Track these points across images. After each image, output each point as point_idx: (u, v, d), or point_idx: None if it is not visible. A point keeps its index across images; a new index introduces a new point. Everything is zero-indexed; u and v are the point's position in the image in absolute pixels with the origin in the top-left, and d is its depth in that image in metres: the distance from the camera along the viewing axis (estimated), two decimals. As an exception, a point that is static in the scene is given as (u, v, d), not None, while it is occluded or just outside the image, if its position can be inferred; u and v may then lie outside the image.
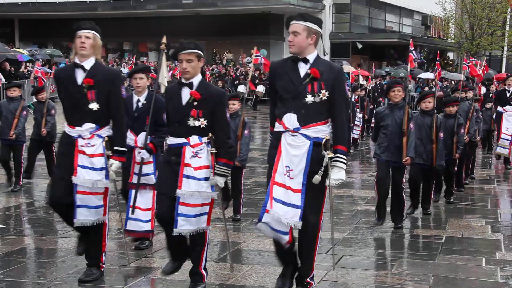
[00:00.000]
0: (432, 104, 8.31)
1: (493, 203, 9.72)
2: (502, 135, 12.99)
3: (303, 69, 4.81)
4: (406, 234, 7.59)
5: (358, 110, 16.63)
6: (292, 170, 4.76)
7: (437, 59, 12.13)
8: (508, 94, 13.16)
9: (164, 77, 6.25)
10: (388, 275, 5.95)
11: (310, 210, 4.76)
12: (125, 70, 31.11)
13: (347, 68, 30.54)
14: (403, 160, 7.48)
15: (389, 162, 7.61)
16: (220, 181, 5.05)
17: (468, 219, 8.42)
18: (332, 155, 4.74)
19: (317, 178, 4.70)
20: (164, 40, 5.88)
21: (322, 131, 4.79)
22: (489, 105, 15.35)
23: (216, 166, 5.04)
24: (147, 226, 6.51)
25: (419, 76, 29.22)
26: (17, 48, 33.12)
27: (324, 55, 4.80)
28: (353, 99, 15.81)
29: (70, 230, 7.30)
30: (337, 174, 4.77)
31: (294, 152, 4.75)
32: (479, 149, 15.39)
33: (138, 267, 6.00)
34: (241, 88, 26.12)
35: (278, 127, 4.85)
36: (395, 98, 7.60)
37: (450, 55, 42.22)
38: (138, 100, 6.51)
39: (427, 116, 8.27)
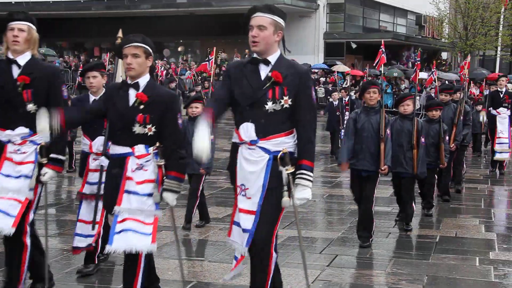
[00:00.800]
0: (412, 107, 7.64)
1: (487, 202, 9.74)
2: (497, 140, 12.22)
3: (263, 71, 4.17)
4: (400, 233, 7.60)
5: (347, 113, 15.81)
6: (248, 189, 4.17)
7: (432, 68, 11.90)
8: (501, 95, 12.38)
9: (120, 75, 5.60)
10: (382, 274, 5.96)
11: (261, 235, 4.14)
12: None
13: (342, 68, 30.63)
14: (381, 169, 6.74)
15: (360, 172, 6.85)
16: (170, 198, 4.33)
17: (462, 218, 8.45)
18: (291, 170, 4.11)
19: (285, 200, 4.12)
20: (120, 34, 5.10)
21: (284, 143, 4.16)
22: (479, 107, 15.24)
23: (165, 180, 4.33)
24: (88, 241, 5.68)
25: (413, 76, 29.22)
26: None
27: (285, 53, 4.28)
28: (342, 101, 15.38)
29: (64, 230, 7.31)
30: (302, 193, 4.15)
31: (250, 168, 4.15)
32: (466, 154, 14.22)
33: (132, 267, 5.97)
34: None
35: (234, 138, 4.26)
36: (370, 100, 6.86)
37: (444, 55, 42.31)
38: (94, 100, 5.68)
39: (406, 121, 7.50)
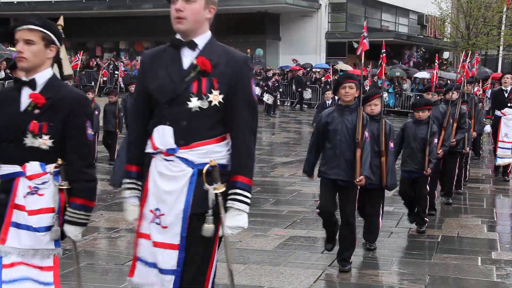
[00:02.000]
0: (380, 107, 6.53)
1: (489, 202, 9.73)
2: (500, 144, 11.31)
3: (187, 58, 3.19)
4: (402, 233, 7.59)
5: None
6: (163, 214, 3.17)
7: (436, 61, 11.29)
8: (505, 95, 11.35)
9: (66, 73, 4.27)
10: (384, 274, 5.96)
11: (191, 279, 3.17)
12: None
13: (344, 67, 30.60)
14: (357, 180, 5.69)
15: (337, 181, 5.79)
16: (73, 233, 3.32)
17: (464, 218, 8.43)
18: (221, 189, 3.14)
19: (208, 228, 3.13)
20: (60, 21, 3.81)
21: (214, 153, 3.17)
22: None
23: (68, 209, 3.30)
24: None
25: (415, 75, 29.24)
26: (13, 47, 33.03)
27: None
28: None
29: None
30: (234, 220, 3.17)
31: (167, 186, 3.15)
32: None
33: (134, 266, 5.97)
34: (266, 97, 26.06)
35: (148, 147, 3.25)
36: (345, 97, 5.78)
37: (446, 54, 42.29)
38: None
39: (374, 122, 6.31)
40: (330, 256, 6.35)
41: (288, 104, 30.38)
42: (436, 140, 7.57)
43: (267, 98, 26.18)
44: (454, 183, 9.32)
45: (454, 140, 8.64)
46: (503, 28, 35.75)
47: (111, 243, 6.81)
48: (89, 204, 3.36)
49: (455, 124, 8.73)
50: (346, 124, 5.75)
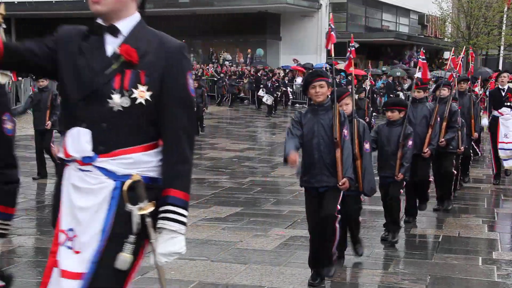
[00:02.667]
0: (351, 107, 5.99)
1: (490, 202, 9.73)
2: (501, 145, 10.79)
3: (110, 46, 2.64)
4: (402, 233, 7.59)
5: None
6: (76, 236, 2.58)
7: (454, 70, 10.45)
8: (502, 94, 10.92)
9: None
10: (384, 274, 5.95)
11: None
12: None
13: (343, 67, 30.57)
14: (340, 183, 5.33)
15: (320, 188, 5.42)
16: None
17: (465, 218, 8.42)
18: (150, 208, 2.58)
19: (124, 259, 2.56)
20: (1, 9, 3.15)
21: (142, 163, 2.62)
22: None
23: None
24: None
25: (416, 75, 29.16)
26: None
27: None
28: None
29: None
30: (168, 245, 2.61)
31: (82, 202, 2.58)
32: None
33: (135, 266, 5.97)
34: (266, 98, 25.93)
35: (60, 153, 2.69)
36: (316, 97, 5.37)
37: (446, 54, 42.30)
38: None
39: None
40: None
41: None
42: (410, 143, 6.81)
43: (266, 99, 25.99)
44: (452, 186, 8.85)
45: (443, 139, 8.11)
46: (503, 28, 35.73)
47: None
48: (9, 210, 2.86)
49: (444, 123, 8.20)
50: (323, 124, 5.35)
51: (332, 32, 6.55)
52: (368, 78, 22.41)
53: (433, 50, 41.44)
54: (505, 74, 11.24)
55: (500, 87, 11.03)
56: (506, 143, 10.79)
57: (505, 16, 35.18)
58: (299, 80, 29.88)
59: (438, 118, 7.87)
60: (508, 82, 10.94)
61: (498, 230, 7.86)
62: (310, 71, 7.81)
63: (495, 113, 11.00)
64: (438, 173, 8.55)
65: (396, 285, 5.63)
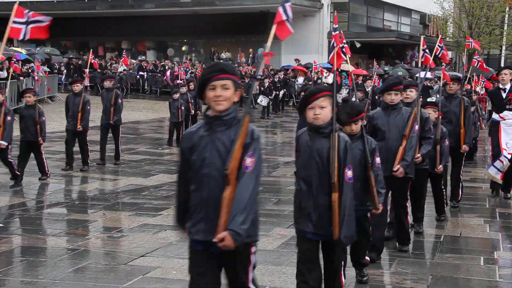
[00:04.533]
0: (329, 112, 4.31)
1: (491, 202, 9.71)
2: (505, 153, 9.21)
3: None
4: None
5: None
6: None
7: (443, 63, 9.82)
8: (504, 95, 9.21)
9: None
10: (386, 274, 5.95)
11: None
12: (121, 68, 31.21)
13: (347, 66, 30.58)
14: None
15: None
16: None
17: (467, 218, 8.42)
18: None
19: None
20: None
21: None
22: (471, 109, 13.44)
23: None
24: None
25: (418, 75, 29.17)
26: (16, 47, 33.08)
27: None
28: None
29: (69, 229, 7.32)
30: None
31: None
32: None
33: (136, 266, 5.99)
34: (260, 99, 25.64)
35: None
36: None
37: (448, 54, 42.32)
38: None
39: (320, 138, 4.33)
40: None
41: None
42: (378, 160, 5.23)
43: (261, 100, 25.52)
44: (423, 209, 7.43)
45: (419, 155, 6.50)
46: (505, 27, 35.76)
47: (113, 242, 6.82)
48: None
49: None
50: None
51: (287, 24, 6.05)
52: (373, 78, 21.97)
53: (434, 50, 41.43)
54: (506, 71, 9.34)
55: (500, 86, 9.35)
56: (508, 152, 9.24)
57: (506, 16, 35.23)
58: (300, 80, 29.86)
59: (416, 127, 6.18)
60: (511, 80, 9.26)
61: (500, 230, 7.85)
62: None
63: (496, 116, 9.41)
64: (411, 194, 6.89)
65: (398, 284, 5.63)
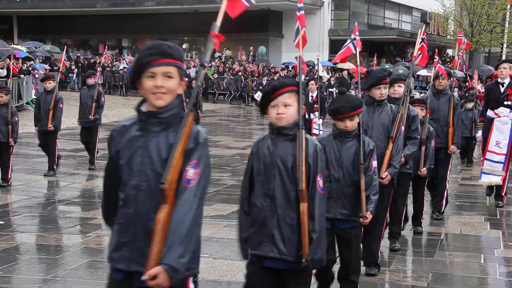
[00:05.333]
0: (294, 112, 3.60)
1: (492, 200, 9.71)
2: (488, 155, 8.61)
3: None
4: (404, 231, 7.59)
5: (317, 114, 11.91)
6: None
7: (435, 56, 9.06)
8: (502, 89, 8.55)
9: None
10: (386, 271, 5.95)
11: None
12: (121, 66, 31.23)
13: (347, 65, 30.57)
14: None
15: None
16: None
17: (467, 216, 8.42)
18: None
19: None
20: None
21: None
22: (469, 105, 12.96)
23: None
24: None
25: (418, 73, 29.21)
26: (16, 44, 33.12)
27: None
28: (310, 99, 11.80)
29: (70, 226, 7.33)
30: None
31: None
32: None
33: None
34: (257, 95, 25.57)
35: None
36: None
37: (449, 52, 42.27)
38: None
39: (281, 141, 3.61)
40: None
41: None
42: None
43: (258, 95, 25.41)
44: (402, 219, 6.75)
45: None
46: (506, 25, 35.73)
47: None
48: None
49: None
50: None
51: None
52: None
53: (435, 48, 41.44)
54: (506, 65, 8.69)
55: (499, 81, 8.67)
56: (496, 153, 8.57)
57: (508, 13, 35.18)
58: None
59: (402, 128, 5.62)
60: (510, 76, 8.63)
61: (500, 227, 7.86)
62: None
63: (491, 113, 8.73)
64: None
65: (398, 282, 5.64)
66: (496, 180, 8.68)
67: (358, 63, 5.60)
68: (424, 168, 6.90)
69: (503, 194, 8.90)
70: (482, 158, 9.08)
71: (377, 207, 4.85)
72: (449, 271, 5.98)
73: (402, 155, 5.71)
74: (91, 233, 7.03)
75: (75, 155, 12.81)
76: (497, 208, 8.89)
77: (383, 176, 5.37)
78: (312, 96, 11.86)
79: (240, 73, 31.10)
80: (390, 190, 5.64)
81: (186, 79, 2.89)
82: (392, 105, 5.69)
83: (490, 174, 8.67)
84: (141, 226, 2.77)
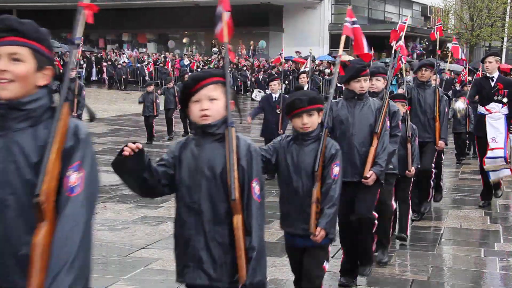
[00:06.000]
0: (223, 110, 3.34)
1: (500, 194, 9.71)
2: (489, 153, 8.12)
3: None
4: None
5: None
6: None
7: (437, 53, 8.59)
8: (491, 84, 8.00)
9: None
10: (387, 266, 5.95)
11: None
12: (121, 60, 31.22)
13: (347, 57, 30.54)
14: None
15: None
16: None
17: (467, 210, 8.42)
18: None
19: None
20: None
21: None
22: (460, 103, 12.42)
23: None
24: None
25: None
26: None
27: None
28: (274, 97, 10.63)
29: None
30: None
31: None
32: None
33: (137, 257, 6.00)
34: (255, 94, 24.68)
35: None
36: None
37: (450, 46, 42.26)
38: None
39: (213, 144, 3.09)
40: (333, 247, 6.36)
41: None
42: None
43: (255, 95, 24.39)
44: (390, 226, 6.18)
45: None
46: (507, 19, 35.66)
47: (114, 234, 6.83)
48: None
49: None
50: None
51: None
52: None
53: (436, 42, 41.37)
54: (491, 58, 8.18)
55: (488, 75, 8.13)
56: (495, 148, 8.11)
57: (508, 7, 35.11)
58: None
59: (388, 123, 5.13)
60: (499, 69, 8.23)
61: (500, 221, 7.86)
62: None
63: (481, 109, 8.26)
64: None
65: (398, 276, 5.64)
66: (506, 173, 8.32)
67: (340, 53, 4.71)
68: (413, 168, 6.44)
69: (500, 187, 8.66)
70: (479, 154, 8.61)
71: (363, 207, 4.78)
72: (449, 265, 5.98)
73: None
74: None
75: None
76: (497, 202, 8.86)
77: (367, 176, 4.87)
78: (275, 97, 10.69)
79: (245, 68, 31.05)
80: (377, 190, 5.09)
81: (51, 67, 2.27)
82: (374, 99, 5.21)
83: (496, 170, 8.25)
84: (11, 253, 2.10)
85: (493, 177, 8.31)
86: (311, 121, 3.93)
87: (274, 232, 6.94)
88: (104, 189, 9.23)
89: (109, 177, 10.22)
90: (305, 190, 3.93)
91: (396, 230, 6.62)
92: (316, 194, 3.89)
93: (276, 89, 10.59)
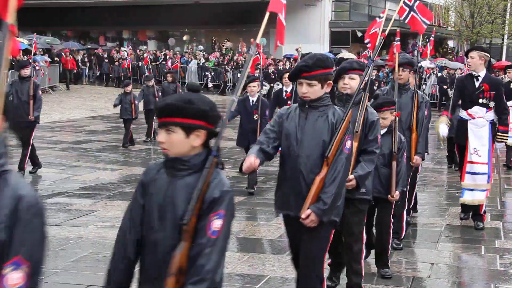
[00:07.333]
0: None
1: (493, 191, 9.69)
2: (469, 167, 6.91)
3: None
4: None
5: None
6: None
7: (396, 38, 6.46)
8: (476, 84, 6.88)
9: None
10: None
11: None
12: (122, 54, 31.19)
13: (347, 55, 30.51)
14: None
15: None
16: None
17: (468, 207, 8.42)
18: None
19: None
20: None
21: None
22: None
23: None
24: None
25: (422, 64, 29.09)
26: (16, 37, 33.11)
27: None
28: (284, 94, 10.01)
29: (71, 218, 7.34)
30: None
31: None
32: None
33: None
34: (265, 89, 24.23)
35: None
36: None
37: (450, 43, 42.21)
38: None
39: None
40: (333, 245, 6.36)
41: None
42: (348, 144, 3.85)
43: (265, 90, 24.56)
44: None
45: (352, 176, 4.22)
46: (507, 16, 35.63)
47: (114, 232, 6.82)
48: None
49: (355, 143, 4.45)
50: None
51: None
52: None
53: (436, 39, 41.32)
54: (474, 53, 7.00)
55: (474, 73, 6.99)
56: (477, 163, 6.92)
57: (509, 4, 35.08)
58: None
59: (348, 143, 3.88)
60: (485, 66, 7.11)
61: (501, 219, 7.86)
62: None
63: (463, 114, 7.08)
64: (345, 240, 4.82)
65: (399, 273, 5.64)
66: (480, 198, 6.95)
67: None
68: (397, 192, 5.30)
69: (482, 213, 7.15)
70: (460, 174, 7.31)
71: (307, 257, 3.86)
72: (449, 262, 5.98)
73: (353, 176, 4.22)
74: (92, 225, 7.04)
75: (76, 147, 12.82)
76: (476, 230, 7.13)
77: (303, 217, 3.74)
78: (286, 91, 9.84)
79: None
80: (328, 233, 3.92)
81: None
82: (337, 108, 3.95)
83: (474, 190, 6.98)
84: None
85: (466, 196, 7.03)
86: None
87: (275, 230, 6.95)
88: (105, 187, 9.24)
89: (109, 175, 10.27)
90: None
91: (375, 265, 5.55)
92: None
93: (255, 91, 9.14)
